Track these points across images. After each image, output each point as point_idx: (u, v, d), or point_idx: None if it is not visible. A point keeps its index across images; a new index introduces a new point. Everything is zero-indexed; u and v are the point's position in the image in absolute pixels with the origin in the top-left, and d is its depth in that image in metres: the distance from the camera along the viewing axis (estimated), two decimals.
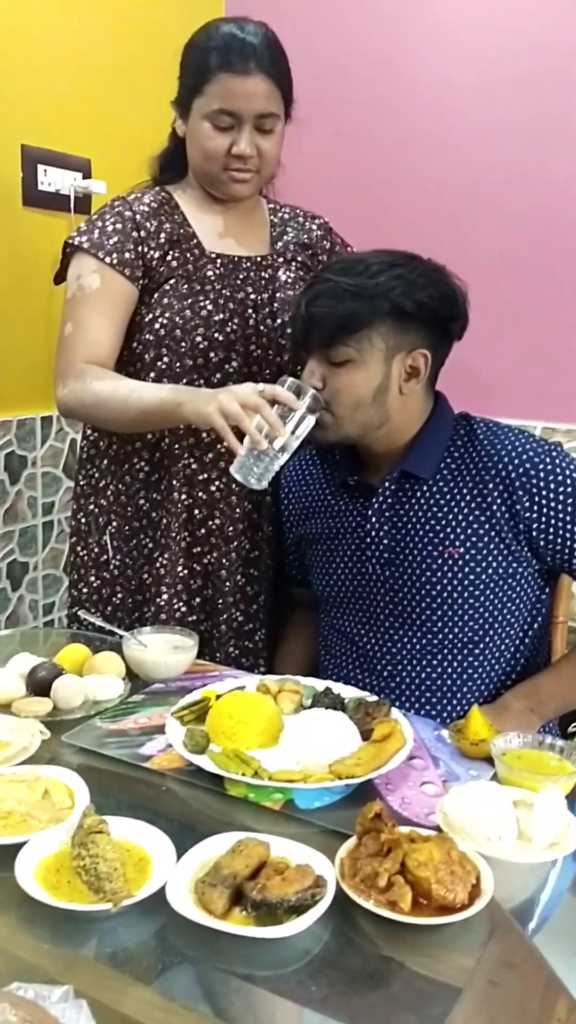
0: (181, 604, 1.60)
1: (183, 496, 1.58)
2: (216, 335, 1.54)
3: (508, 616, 1.42)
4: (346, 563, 1.48)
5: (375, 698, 1.26)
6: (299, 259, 1.68)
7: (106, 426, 1.56)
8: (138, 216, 1.55)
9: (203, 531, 1.60)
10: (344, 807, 1.06)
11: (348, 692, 1.30)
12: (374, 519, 1.43)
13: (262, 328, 1.58)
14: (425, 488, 1.41)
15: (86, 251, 1.52)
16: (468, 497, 1.39)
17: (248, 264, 1.61)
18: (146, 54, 2.23)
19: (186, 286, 1.55)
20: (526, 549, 1.39)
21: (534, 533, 1.37)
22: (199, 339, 1.53)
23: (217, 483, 1.59)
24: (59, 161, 2.10)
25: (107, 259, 1.51)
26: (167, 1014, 0.78)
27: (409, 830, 0.96)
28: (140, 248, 1.53)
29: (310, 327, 1.36)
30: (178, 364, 1.54)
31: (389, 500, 1.43)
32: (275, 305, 1.60)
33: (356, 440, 1.42)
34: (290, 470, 1.59)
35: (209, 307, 1.55)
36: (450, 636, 1.41)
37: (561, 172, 2.18)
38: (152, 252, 1.54)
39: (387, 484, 1.43)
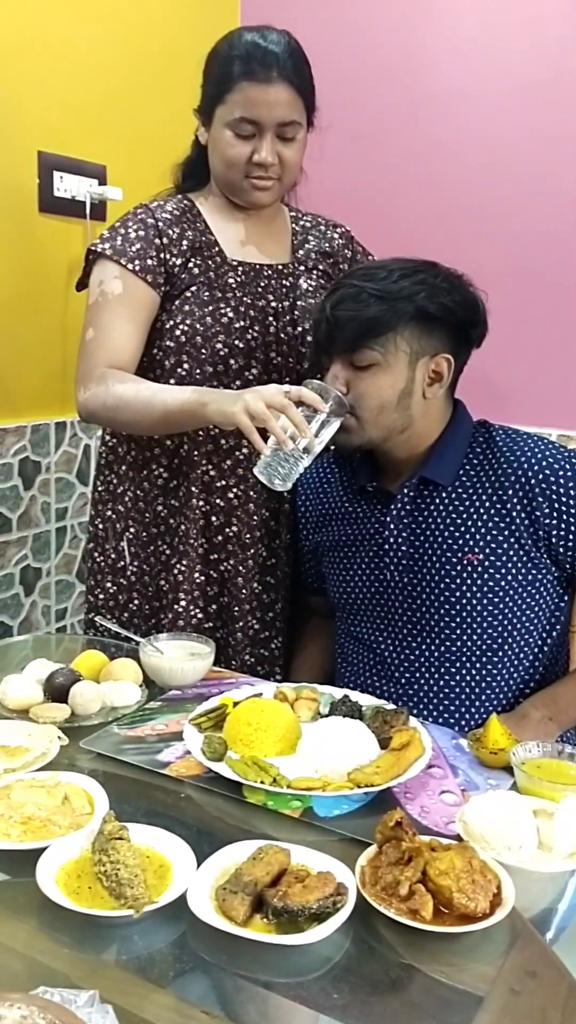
0: (198, 611, 1.60)
1: (201, 503, 1.58)
2: (236, 342, 1.55)
3: (527, 623, 1.42)
4: (364, 570, 1.48)
5: (393, 706, 1.26)
6: (320, 267, 1.68)
7: (127, 429, 1.56)
8: (160, 223, 1.56)
9: (220, 538, 1.60)
10: (363, 815, 1.06)
11: (365, 700, 1.30)
12: (392, 525, 1.43)
13: (283, 336, 1.59)
14: (444, 494, 1.41)
15: (108, 257, 1.53)
16: (488, 503, 1.39)
17: (269, 272, 1.62)
18: (161, 61, 2.24)
19: (207, 293, 1.56)
20: (545, 556, 1.39)
21: (553, 539, 1.38)
22: (219, 346, 1.54)
23: (235, 490, 1.59)
24: (75, 168, 2.10)
25: (129, 265, 1.52)
26: (187, 1019, 0.78)
27: (430, 839, 0.96)
28: (162, 255, 1.54)
29: (334, 331, 1.36)
30: (198, 371, 1.54)
31: (407, 506, 1.43)
32: (296, 313, 1.61)
33: (379, 445, 1.41)
34: (307, 476, 1.59)
35: (230, 314, 1.55)
36: (469, 643, 1.41)
37: (573, 179, 2.19)
38: (174, 259, 1.55)
39: (406, 490, 1.43)
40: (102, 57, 2.13)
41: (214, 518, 1.59)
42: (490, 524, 1.38)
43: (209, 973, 0.84)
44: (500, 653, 1.42)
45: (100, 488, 1.70)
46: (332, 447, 1.42)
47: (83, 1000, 0.70)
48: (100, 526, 1.70)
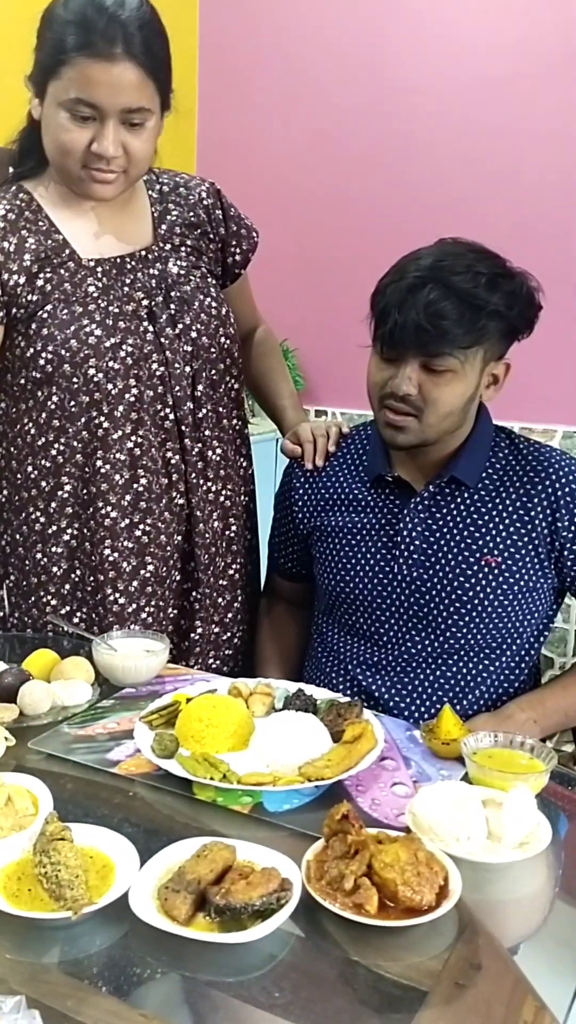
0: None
1: (106, 549, 1.44)
2: (111, 363, 1.38)
3: (526, 626, 1.43)
4: (370, 559, 1.46)
5: (347, 699, 1.25)
6: (188, 243, 1.50)
7: None
8: None
9: (136, 583, 1.46)
10: (313, 809, 1.05)
11: (320, 694, 1.29)
12: (409, 518, 1.42)
13: (163, 340, 1.43)
14: (467, 495, 1.41)
15: None
16: (511, 508, 1.40)
17: (132, 263, 1.44)
18: None
19: (65, 311, 1.38)
20: (552, 565, 1.42)
21: (565, 552, 1.40)
22: (92, 371, 1.38)
23: (142, 526, 1.46)
24: None
25: None
26: (127, 1023, 0.76)
27: (377, 831, 0.95)
28: (0, 276, 1.36)
29: (421, 335, 1.28)
30: (72, 403, 1.39)
31: (427, 502, 1.42)
32: (172, 307, 1.45)
33: (429, 443, 1.38)
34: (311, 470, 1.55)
35: (97, 332, 1.38)
36: (471, 640, 1.41)
37: (535, 173, 2.19)
38: (15, 277, 1.37)
39: (431, 487, 1.42)
40: None
41: (124, 563, 1.45)
42: (511, 528, 1.39)
43: (150, 974, 0.82)
44: (497, 652, 1.43)
45: None
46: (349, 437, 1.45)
47: (9, 1006, 0.69)
48: None
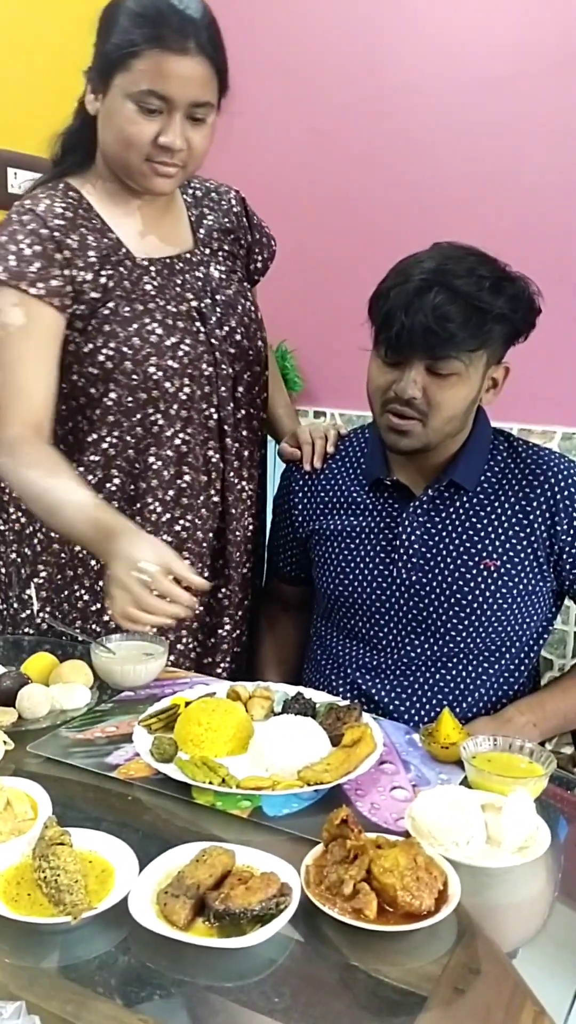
0: None
1: None
2: (170, 362, 1.41)
3: (525, 630, 1.43)
4: (368, 563, 1.46)
5: (346, 703, 1.25)
6: (225, 248, 1.55)
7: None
8: (56, 232, 1.36)
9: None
10: (312, 814, 1.04)
11: (320, 697, 1.29)
12: (408, 522, 1.42)
13: (213, 341, 1.46)
14: (466, 498, 1.41)
15: (3, 283, 1.32)
16: (510, 512, 1.40)
17: (181, 265, 1.47)
18: None
19: (127, 308, 1.40)
20: (551, 569, 1.41)
21: (564, 555, 1.40)
22: (152, 369, 1.40)
23: (182, 521, 1.48)
24: (28, 164, 2.08)
25: (31, 290, 1.32)
26: None
27: (376, 836, 0.95)
28: (67, 271, 1.35)
29: (428, 338, 1.28)
30: (130, 399, 1.40)
31: (426, 505, 1.42)
32: (219, 310, 1.48)
33: (430, 448, 1.38)
34: (310, 471, 1.56)
35: (159, 331, 1.41)
36: (470, 644, 1.41)
37: (534, 173, 2.19)
38: (82, 274, 1.37)
39: (430, 491, 1.42)
40: (58, 52, 2.10)
41: None
42: (510, 532, 1.39)
43: (150, 979, 0.82)
44: (497, 655, 1.43)
45: (2, 527, 1.52)
46: (347, 439, 1.46)
47: (9, 1012, 0.68)
48: (3, 570, 1.54)
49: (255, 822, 1.04)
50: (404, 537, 1.42)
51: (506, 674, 1.45)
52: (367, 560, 1.45)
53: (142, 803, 1.08)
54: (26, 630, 1.52)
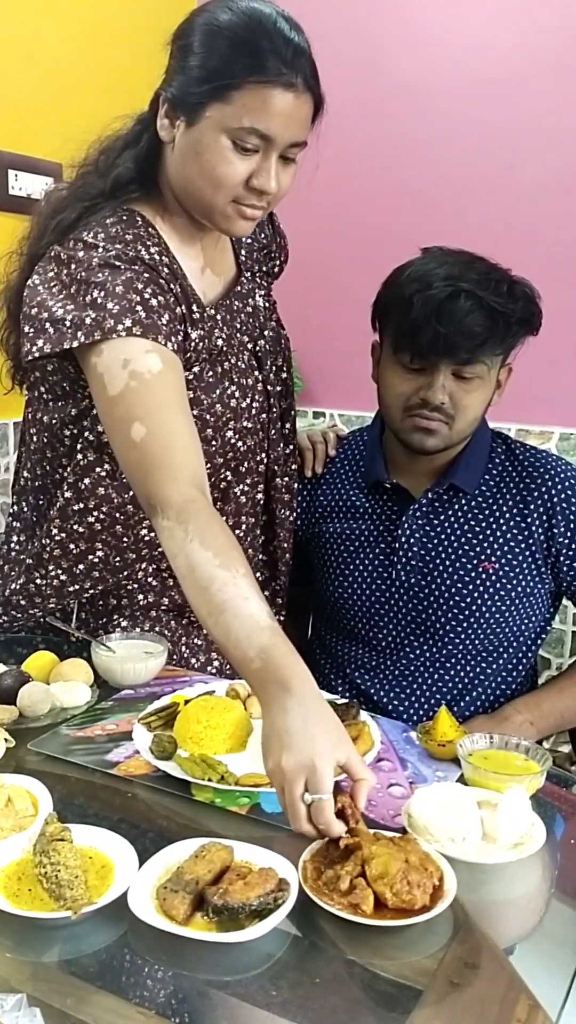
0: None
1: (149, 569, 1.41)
2: (246, 423, 1.35)
3: (523, 631, 1.44)
4: (368, 566, 1.47)
5: (344, 701, 1.26)
6: (263, 268, 1.48)
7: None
8: (171, 284, 1.23)
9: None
10: None
11: None
12: (407, 525, 1.43)
13: (268, 387, 1.41)
14: (465, 501, 1.43)
15: (136, 336, 1.14)
16: (508, 515, 1.41)
17: (237, 303, 1.38)
18: (117, 57, 2.23)
19: (210, 373, 1.30)
20: (549, 570, 1.43)
21: (562, 558, 1.42)
22: (230, 434, 1.33)
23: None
24: (30, 166, 2.09)
25: (167, 344, 1.16)
26: (125, 1020, 0.77)
27: (373, 832, 0.96)
28: (183, 327, 1.23)
29: (454, 344, 1.31)
30: (208, 465, 1.24)
31: (425, 508, 1.43)
32: (269, 347, 1.42)
33: (451, 447, 1.41)
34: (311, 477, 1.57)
35: (237, 394, 1.32)
36: (467, 645, 1.42)
37: (532, 175, 2.20)
38: (189, 330, 1.26)
39: (429, 494, 1.43)
40: (57, 54, 2.11)
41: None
42: (508, 535, 1.40)
43: (149, 973, 0.83)
44: (494, 656, 1.44)
45: (46, 542, 1.37)
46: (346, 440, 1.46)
47: (10, 1004, 0.69)
48: (44, 584, 1.43)
49: (253, 818, 1.05)
50: (403, 540, 1.43)
51: (504, 674, 1.46)
52: (366, 563, 1.46)
53: (142, 800, 1.09)
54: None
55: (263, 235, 1.48)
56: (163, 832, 1.02)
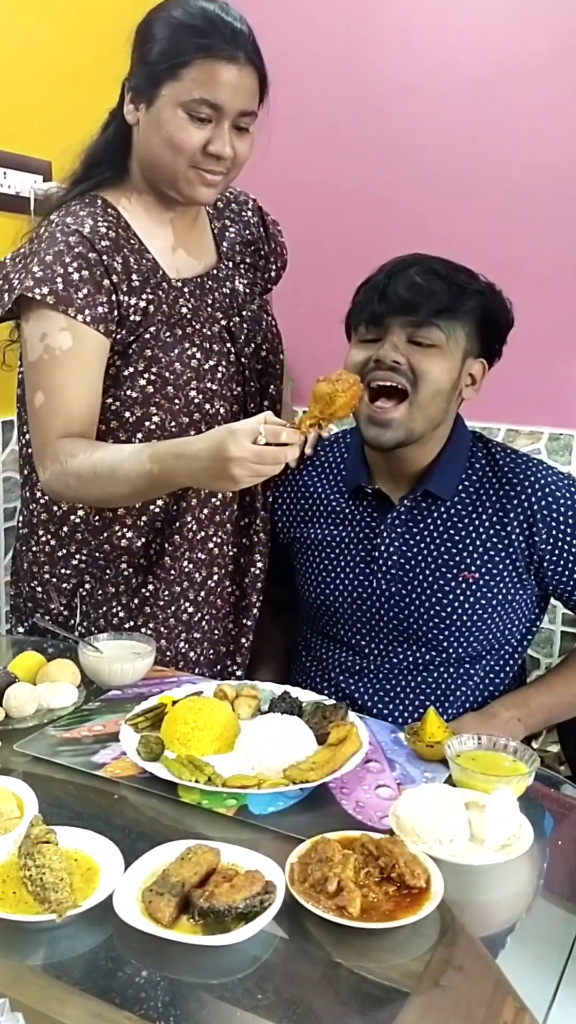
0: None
1: (184, 562, 1.48)
2: (209, 384, 1.42)
3: (507, 636, 1.44)
4: (348, 572, 1.46)
5: (332, 702, 1.26)
6: (247, 261, 1.57)
7: (100, 505, 1.41)
8: (104, 256, 1.34)
9: (204, 593, 1.51)
10: (298, 812, 1.05)
11: (306, 696, 1.29)
12: (386, 533, 1.42)
13: (243, 360, 1.48)
14: (443, 509, 1.41)
15: (50, 307, 1.31)
16: (488, 523, 1.39)
17: (210, 283, 1.48)
18: (106, 54, 2.21)
19: (168, 334, 1.40)
20: (532, 576, 1.41)
21: (545, 563, 1.40)
22: (193, 393, 1.41)
23: (215, 539, 1.50)
24: (19, 163, 2.08)
25: (78, 316, 1.31)
26: None
27: (361, 834, 0.95)
28: (113, 297, 1.35)
29: (406, 300, 1.31)
30: (172, 423, 1.40)
31: (404, 516, 1.42)
32: (246, 327, 1.49)
33: (414, 441, 1.37)
34: (288, 471, 1.54)
35: (198, 355, 1.42)
36: (451, 652, 1.41)
37: (519, 176, 2.20)
38: (126, 298, 1.36)
39: (406, 501, 1.42)
40: (47, 51, 2.10)
41: (196, 574, 1.49)
42: (488, 544, 1.39)
43: (135, 976, 0.83)
44: (480, 661, 1.43)
45: (35, 548, 1.51)
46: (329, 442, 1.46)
47: None
48: (39, 588, 1.53)
49: (241, 820, 1.04)
50: (383, 548, 1.42)
51: (491, 676, 1.45)
52: (347, 570, 1.46)
53: (128, 802, 1.09)
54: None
55: (248, 232, 1.58)
56: (149, 834, 1.01)
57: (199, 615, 1.52)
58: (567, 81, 2.13)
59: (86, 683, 1.33)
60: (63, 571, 1.50)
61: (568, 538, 1.38)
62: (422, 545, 1.40)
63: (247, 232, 1.59)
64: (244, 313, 1.51)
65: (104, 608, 1.50)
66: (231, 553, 1.54)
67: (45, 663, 1.34)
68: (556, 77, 2.14)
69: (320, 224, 2.34)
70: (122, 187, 1.43)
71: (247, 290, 1.54)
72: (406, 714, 1.43)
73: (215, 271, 1.51)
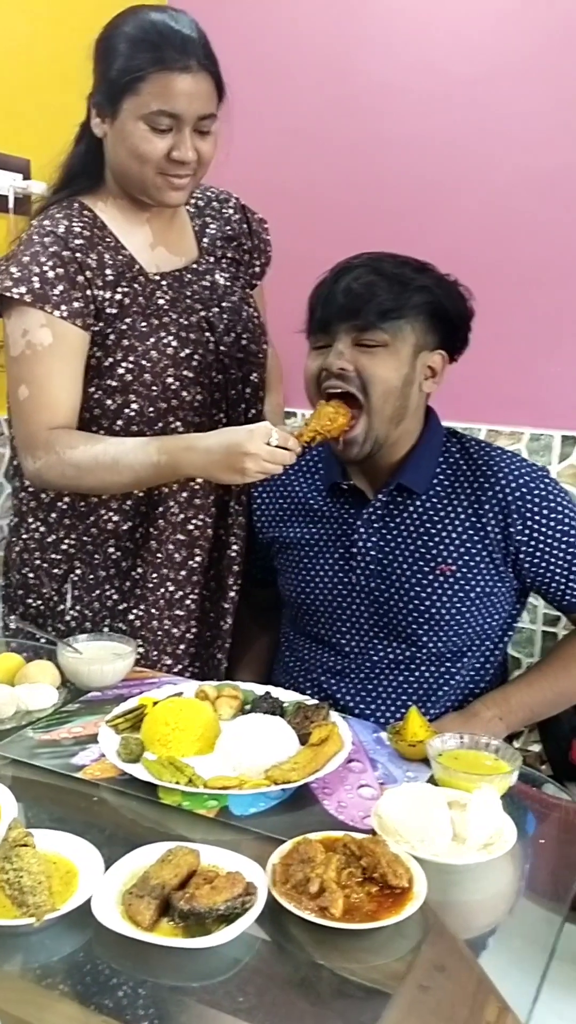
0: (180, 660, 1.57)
1: (169, 545, 1.52)
2: (185, 372, 1.47)
3: (488, 631, 1.43)
4: (327, 570, 1.45)
5: (314, 702, 1.25)
6: (228, 255, 1.61)
7: (93, 492, 1.47)
8: (78, 254, 1.41)
9: (184, 572, 1.54)
10: (279, 812, 1.05)
11: (288, 696, 1.29)
12: (363, 529, 1.41)
13: (222, 349, 1.52)
14: (419, 503, 1.40)
15: (29, 304, 1.38)
16: (463, 516, 1.38)
17: (189, 276, 1.53)
18: (85, 53, 2.20)
19: (144, 323, 1.45)
20: (510, 569, 1.40)
21: (521, 555, 1.39)
22: (170, 380, 1.45)
23: (195, 520, 1.53)
24: (1, 163, 2.06)
25: (56, 312, 1.38)
26: None
27: (343, 834, 0.95)
28: (88, 291, 1.41)
29: (351, 305, 1.31)
30: (151, 409, 1.45)
31: (380, 511, 1.41)
32: (226, 317, 1.54)
33: (384, 444, 1.37)
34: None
35: (174, 343, 1.46)
36: (431, 648, 1.41)
37: (502, 176, 2.20)
38: (101, 292, 1.43)
39: (381, 496, 1.41)
40: (26, 49, 2.09)
41: (177, 555, 1.53)
42: (464, 536, 1.38)
43: (114, 980, 0.82)
44: (460, 657, 1.43)
45: (24, 536, 1.57)
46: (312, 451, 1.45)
47: None
48: (30, 575, 1.57)
49: (222, 822, 1.03)
50: (360, 544, 1.42)
51: (472, 673, 1.45)
52: (327, 568, 1.45)
53: (108, 804, 1.08)
54: (58, 625, 1.56)
55: (229, 228, 1.62)
56: (129, 836, 1.00)
57: (180, 593, 1.56)
58: (551, 84, 2.13)
59: (65, 684, 1.32)
60: (53, 556, 1.55)
61: (543, 528, 1.37)
62: (399, 540, 1.40)
63: (228, 228, 1.62)
64: (223, 304, 1.55)
65: (97, 591, 1.55)
66: (211, 535, 1.57)
67: (24, 664, 1.32)
68: (541, 80, 2.14)
69: (298, 221, 2.34)
70: (99, 192, 1.50)
71: (227, 283, 1.58)
72: (388, 714, 1.42)
73: (195, 265, 1.56)
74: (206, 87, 1.36)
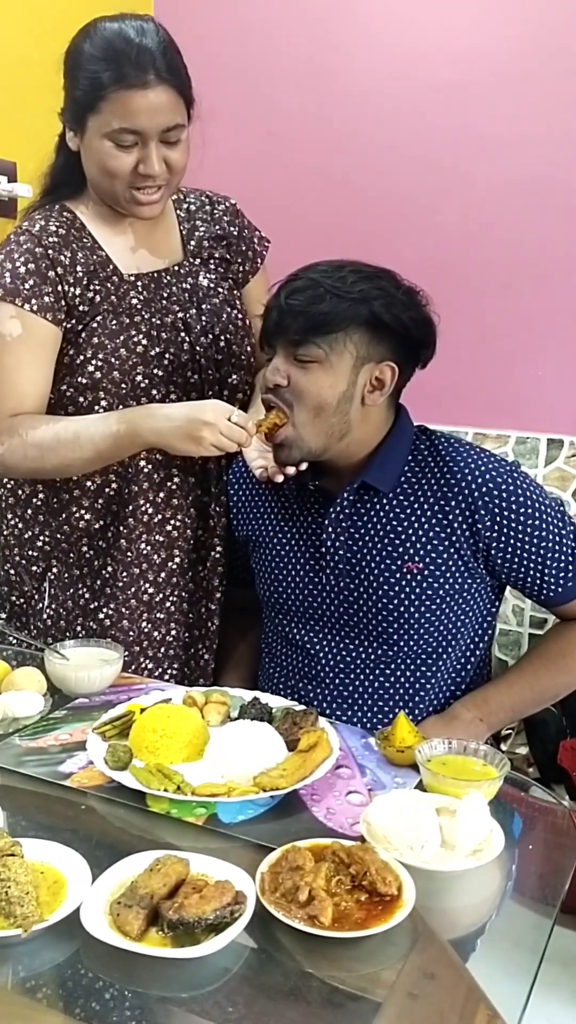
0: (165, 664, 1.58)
1: (141, 544, 1.52)
2: (155, 371, 1.48)
3: (462, 629, 1.42)
4: (297, 570, 1.45)
5: (302, 708, 1.25)
6: (216, 255, 1.61)
7: (56, 474, 1.47)
8: (50, 251, 1.44)
9: (164, 575, 1.55)
10: (268, 820, 1.04)
11: (276, 702, 1.29)
12: (330, 528, 1.41)
13: (198, 349, 1.52)
14: (385, 501, 1.39)
15: (0, 298, 1.42)
16: (429, 513, 1.38)
17: (168, 278, 1.54)
18: None
19: (114, 321, 1.47)
20: (482, 566, 1.40)
21: (492, 551, 1.38)
22: (139, 378, 1.47)
23: (173, 521, 1.54)
24: None
25: (26, 305, 1.41)
26: None
27: (332, 841, 0.95)
28: (59, 287, 1.44)
29: (284, 321, 1.31)
30: (120, 406, 1.46)
31: (347, 510, 1.41)
32: (204, 319, 1.54)
33: (319, 455, 1.37)
34: (239, 467, 1.55)
35: (144, 341, 1.47)
36: (405, 648, 1.40)
37: (484, 181, 2.21)
38: (71, 289, 1.45)
39: (346, 494, 1.41)
40: (11, 51, 2.08)
41: (155, 556, 1.53)
42: (431, 534, 1.37)
43: (103, 990, 0.81)
44: (435, 657, 1.42)
45: (5, 532, 1.60)
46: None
47: None
48: (11, 571, 1.60)
49: (210, 829, 1.03)
50: (328, 543, 1.41)
51: (452, 673, 1.44)
52: (297, 567, 1.45)
53: (96, 812, 1.07)
54: (36, 624, 1.58)
55: (218, 228, 1.63)
56: (117, 845, 1.00)
57: (160, 596, 1.56)
58: (533, 86, 2.14)
59: (52, 691, 1.31)
60: (31, 553, 1.57)
61: (512, 524, 1.36)
62: (366, 539, 1.40)
63: (217, 228, 1.62)
64: (203, 306, 1.55)
65: (72, 590, 1.56)
66: (190, 536, 1.57)
67: (10, 671, 1.32)
68: (522, 82, 2.15)
69: (279, 226, 2.33)
70: (82, 197, 1.52)
71: (211, 284, 1.58)
72: (365, 720, 1.42)
73: (176, 267, 1.56)
74: (167, 98, 1.35)
